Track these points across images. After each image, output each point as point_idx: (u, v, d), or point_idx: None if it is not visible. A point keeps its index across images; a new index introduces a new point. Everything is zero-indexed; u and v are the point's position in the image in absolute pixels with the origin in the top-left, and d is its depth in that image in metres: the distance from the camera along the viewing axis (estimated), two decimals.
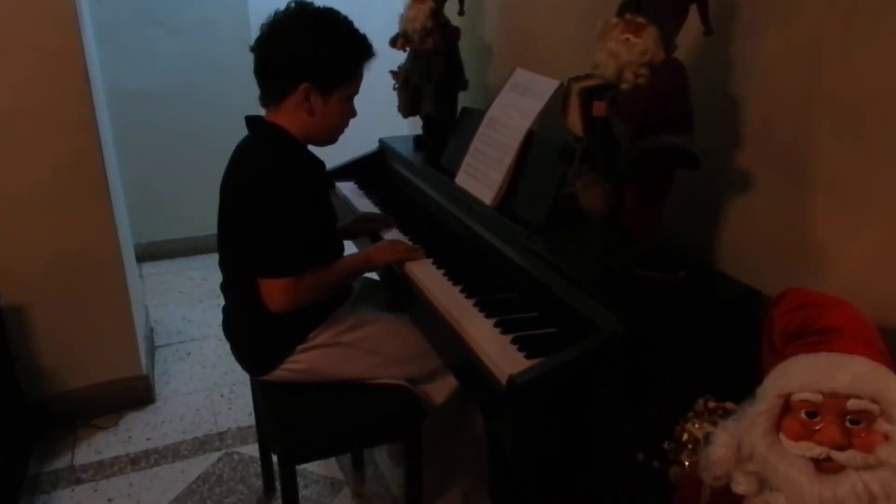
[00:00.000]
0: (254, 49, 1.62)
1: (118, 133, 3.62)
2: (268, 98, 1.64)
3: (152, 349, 3.02)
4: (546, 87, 1.73)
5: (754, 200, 1.40)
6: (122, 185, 3.28)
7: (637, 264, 1.37)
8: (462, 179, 1.88)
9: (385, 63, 2.28)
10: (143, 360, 2.65)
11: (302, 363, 1.68)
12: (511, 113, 1.79)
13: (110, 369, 2.57)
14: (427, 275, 1.68)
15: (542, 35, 2.11)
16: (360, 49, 1.63)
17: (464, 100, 2.29)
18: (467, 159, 1.89)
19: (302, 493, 2.14)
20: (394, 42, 2.25)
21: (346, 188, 2.37)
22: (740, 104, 1.39)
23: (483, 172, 1.80)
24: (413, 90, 2.27)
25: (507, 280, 1.61)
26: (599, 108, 1.28)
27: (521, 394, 1.20)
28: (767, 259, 1.38)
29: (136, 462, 2.35)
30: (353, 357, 1.70)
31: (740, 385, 1.16)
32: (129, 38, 3.66)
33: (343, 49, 1.60)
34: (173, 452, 2.40)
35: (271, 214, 1.56)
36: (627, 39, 1.26)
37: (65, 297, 2.42)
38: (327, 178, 2.41)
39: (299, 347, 1.67)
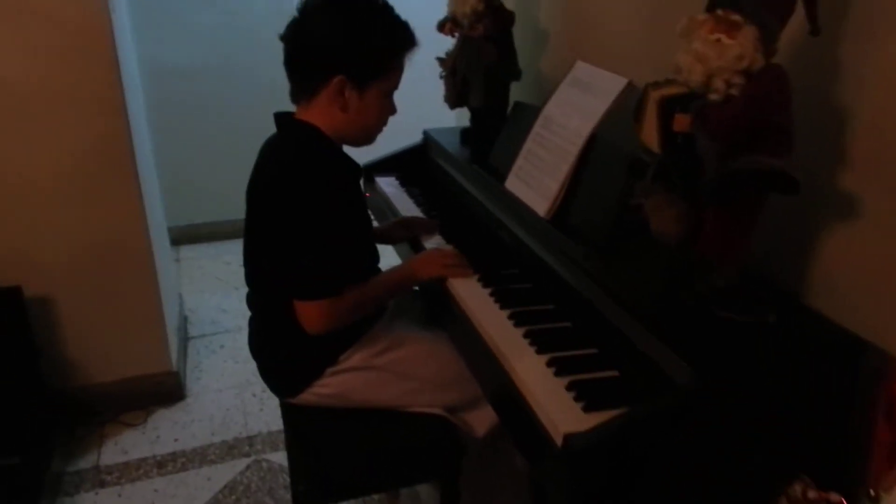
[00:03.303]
0: (284, 37, 1.45)
1: (153, 110, 3.50)
2: (298, 93, 1.47)
3: (185, 340, 2.93)
4: (612, 84, 1.52)
5: (860, 229, 1.19)
6: (157, 166, 3.17)
7: (716, 302, 1.17)
8: (512, 184, 1.69)
9: (434, 47, 2.09)
10: (174, 356, 2.55)
11: (330, 387, 1.53)
12: (570, 112, 1.59)
13: (139, 364, 2.48)
14: (472, 295, 1.50)
15: (607, 22, 1.89)
16: (400, 38, 1.45)
17: (516, 91, 2.10)
18: (519, 162, 1.70)
19: None
20: (441, 26, 2.05)
21: (387, 184, 2.20)
22: (849, 117, 1.17)
23: (537, 179, 1.61)
24: (461, 80, 2.07)
25: (563, 307, 1.43)
26: (682, 122, 1.07)
27: (578, 460, 1.02)
28: (873, 300, 1.17)
29: (162, 465, 2.26)
30: (385, 381, 1.54)
31: (838, 458, 0.98)
32: (165, 10, 3.52)
33: (381, 38, 1.43)
34: (200, 457, 2.29)
35: (304, 228, 1.40)
36: (718, 40, 1.05)
37: (92, 289, 2.33)
38: (366, 172, 2.26)
39: (328, 370, 1.52)
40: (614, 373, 1.23)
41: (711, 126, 1.05)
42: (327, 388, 1.53)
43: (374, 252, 1.61)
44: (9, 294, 2.11)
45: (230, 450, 2.32)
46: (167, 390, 2.54)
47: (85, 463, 2.27)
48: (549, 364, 1.25)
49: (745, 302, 1.16)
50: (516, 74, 2.05)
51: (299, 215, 1.40)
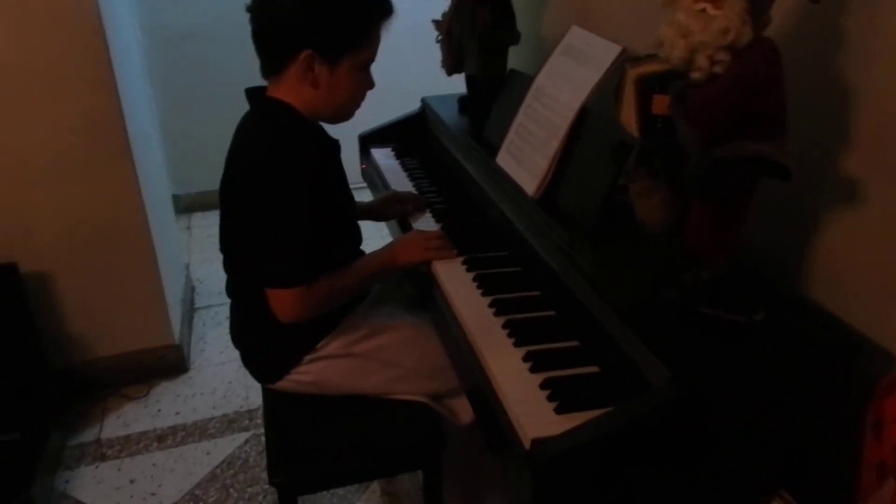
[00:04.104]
0: (250, 8, 1.36)
1: (160, 77, 3.45)
2: (266, 68, 1.40)
3: (191, 312, 2.91)
4: (605, 52, 1.41)
5: (865, 215, 1.09)
6: (165, 134, 3.12)
7: (702, 298, 1.09)
8: (503, 160, 1.60)
9: (433, 7, 2.00)
10: (177, 329, 2.53)
11: (310, 374, 1.48)
12: (561, 83, 1.49)
13: (141, 337, 2.47)
14: (454, 280, 1.43)
15: None
16: (372, 7, 1.35)
17: (515, 57, 1.99)
18: (510, 136, 1.60)
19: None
20: None
21: (382, 155, 2.12)
22: (852, 94, 1.06)
23: (527, 155, 1.52)
24: (457, 44, 1.97)
25: (548, 294, 1.36)
26: (661, 103, 0.98)
27: (544, 468, 0.96)
28: (878, 291, 1.07)
29: (162, 439, 2.25)
30: (366, 370, 1.49)
31: (822, 474, 0.90)
32: None
33: (350, 8, 1.32)
34: (200, 430, 2.29)
35: (275, 211, 1.32)
36: (703, 10, 0.95)
37: (88, 264, 2.30)
38: (362, 143, 2.18)
39: (307, 357, 1.46)
40: (594, 368, 1.16)
41: (693, 108, 0.96)
42: (306, 376, 1.48)
43: (355, 233, 1.54)
44: (4, 271, 2.10)
45: (230, 424, 2.31)
46: (169, 363, 2.52)
47: (87, 437, 2.28)
48: (526, 358, 1.18)
49: (733, 298, 1.08)
50: (514, 39, 1.94)
51: (272, 198, 1.32)
